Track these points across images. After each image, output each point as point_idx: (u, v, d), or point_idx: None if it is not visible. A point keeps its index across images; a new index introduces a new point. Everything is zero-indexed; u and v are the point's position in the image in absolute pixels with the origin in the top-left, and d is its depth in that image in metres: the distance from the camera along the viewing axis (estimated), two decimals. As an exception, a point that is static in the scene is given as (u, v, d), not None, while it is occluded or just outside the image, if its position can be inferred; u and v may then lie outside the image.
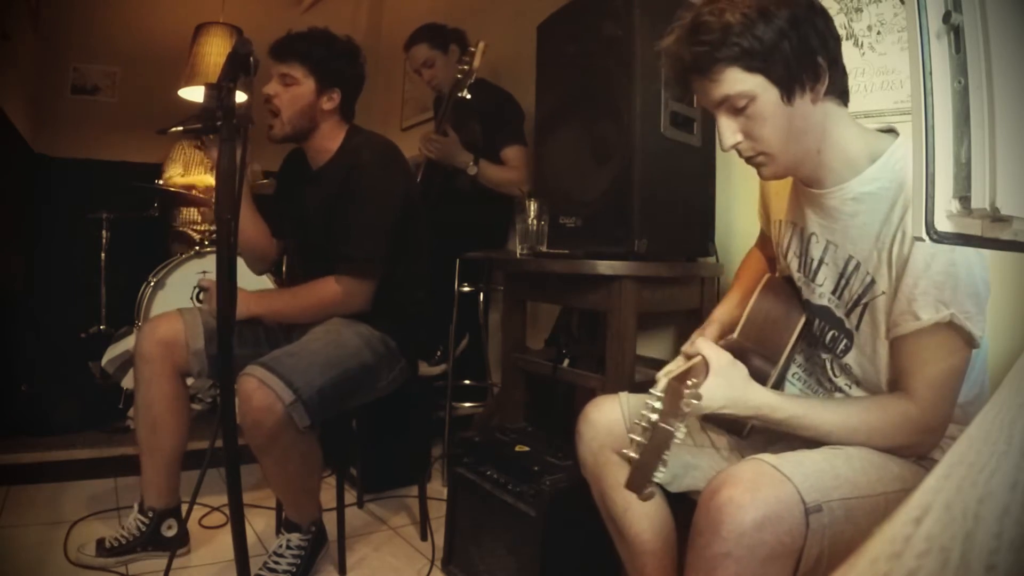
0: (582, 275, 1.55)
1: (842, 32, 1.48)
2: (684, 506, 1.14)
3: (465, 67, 2.13)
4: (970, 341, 0.88)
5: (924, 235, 0.50)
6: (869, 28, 1.47)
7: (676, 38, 0.93)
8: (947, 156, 0.49)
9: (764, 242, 1.32)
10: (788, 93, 0.89)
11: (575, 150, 1.66)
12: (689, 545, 0.85)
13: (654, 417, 0.85)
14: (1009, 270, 1.21)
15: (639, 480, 0.84)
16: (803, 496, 0.79)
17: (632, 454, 0.85)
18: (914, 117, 0.50)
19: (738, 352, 1.00)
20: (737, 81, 0.89)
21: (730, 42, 0.87)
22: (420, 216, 1.72)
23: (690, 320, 1.71)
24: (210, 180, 3.01)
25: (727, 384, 0.91)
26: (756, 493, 0.79)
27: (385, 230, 1.58)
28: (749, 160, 0.97)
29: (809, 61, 0.88)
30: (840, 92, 0.95)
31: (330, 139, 1.67)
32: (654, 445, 0.83)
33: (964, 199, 0.48)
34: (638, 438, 0.86)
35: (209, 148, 3.13)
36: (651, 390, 0.90)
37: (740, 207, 1.81)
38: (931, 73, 0.48)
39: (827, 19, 0.91)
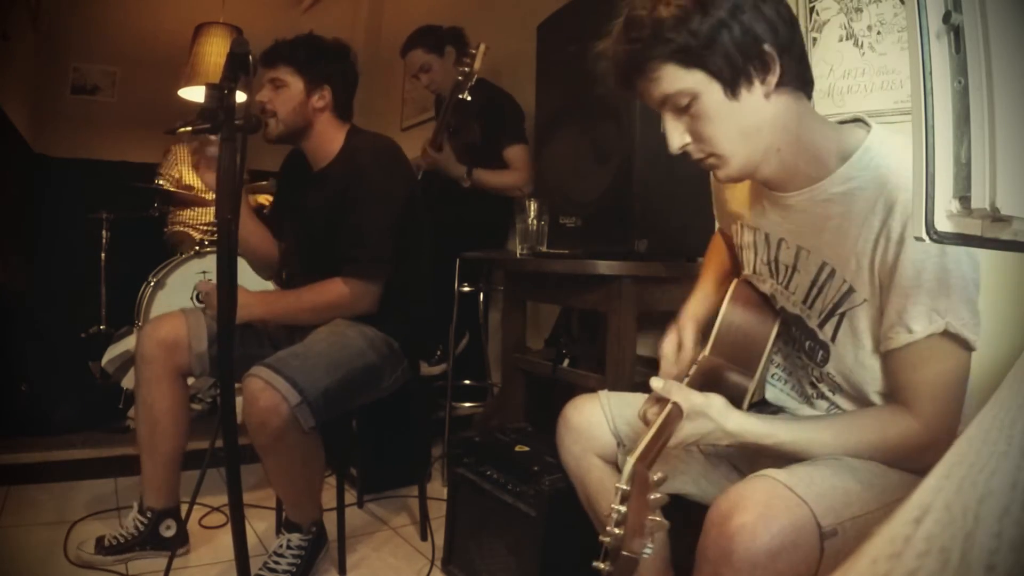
0: (582, 275, 1.55)
1: (842, 32, 1.48)
2: (673, 502, 1.13)
3: (466, 69, 2.13)
4: (968, 348, 0.82)
5: (924, 235, 0.50)
6: (869, 28, 1.47)
7: (612, 37, 0.89)
8: (947, 156, 0.49)
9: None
10: (732, 88, 0.82)
11: (575, 150, 1.66)
12: (696, 570, 0.81)
13: (616, 533, 0.72)
14: (1009, 270, 1.21)
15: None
16: (819, 520, 0.75)
17: (608, 538, 0.73)
18: (914, 117, 0.50)
19: (712, 372, 0.97)
20: (675, 79, 0.83)
21: (663, 38, 0.81)
22: (423, 217, 1.72)
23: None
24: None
25: (705, 423, 0.84)
26: (770, 520, 0.73)
27: (390, 231, 1.58)
28: (700, 163, 0.90)
29: (754, 51, 0.81)
30: (801, 83, 0.87)
31: (329, 140, 1.67)
32: (619, 572, 0.71)
33: (964, 199, 0.49)
34: (608, 538, 0.73)
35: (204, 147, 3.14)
36: (617, 483, 0.74)
37: (740, 207, 1.81)
38: (931, 73, 0.48)
39: (777, 2, 0.84)
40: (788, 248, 0.97)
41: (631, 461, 0.75)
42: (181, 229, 3.10)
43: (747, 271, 1.07)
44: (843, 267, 0.89)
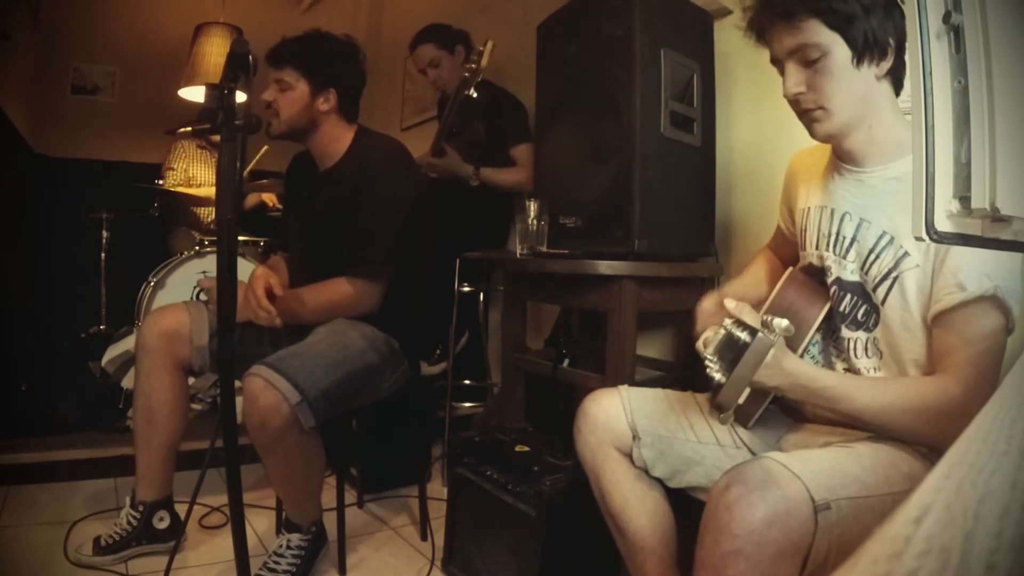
0: (582, 275, 1.55)
1: (842, 32, 1.49)
2: (683, 502, 1.14)
3: (472, 66, 2.13)
4: (1008, 322, 0.90)
5: (924, 235, 0.50)
6: (869, 28, 1.47)
7: None
8: (947, 156, 0.49)
9: (778, 245, 1.32)
10: (859, 57, 0.95)
11: (575, 150, 1.66)
12: (698, 543, 0.86)
13: (742, 335, 0.82)
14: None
15: (730, 398, 0.83)
16: (812, 494, 0.80)
17: (718, 376, 0.83)
18: (914, 117, 0.50)
19: None
20: (817, 32, 0.95)
21: None
22: (428, 218, 1.72)
23: (690, 320, 1.71)
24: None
25: (776, 352, 0.89)
26: (765, 491, 0.80)
27: (396, 233, 1.58)
28: (805, 113, 1.01)
29: (882, 39, 0.95)
30: (896, 80, 1.00)
31: (336, 140, 1.67)
32: (750, 359, 0.80)
33: (964, 199, 0.49)
34: (718, 363, 0.84)
35: (214, 150, 3.14)
36: (708, 335, 0.93)
37: (740, 207, 1.81)
38: (931, 73, 0.48)
39: (903, 16, 0.96)
40: (851, 220, 1.05)
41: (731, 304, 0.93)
42: (183, 230, 3.10)
43: (807, 249, 1.14)
44: (901, 235, 0.97)
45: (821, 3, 0.94)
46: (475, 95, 2.15)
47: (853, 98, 0.98)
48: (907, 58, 0.98)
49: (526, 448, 1.52)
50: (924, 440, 0.92)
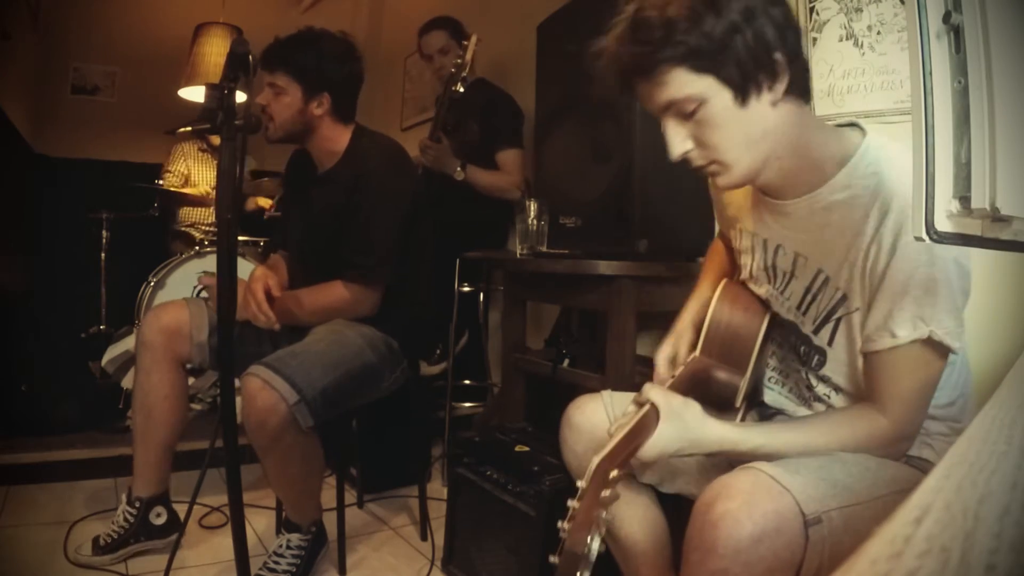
0: (582, 275, 1.55)
1: (842, 32, 1.48)
2: (677, 505, 1.14)
3: (458, 60, 2.13)
4: (946, 354, 0.84)
5: (924, 235, 0.50)
6: (869, 28, 1.47)
7: (615, 36, 0.86)
8: (947, 156, 0.49)
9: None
10: (742, 95, 0.81)
11: (575, 150, 1.66)
12: (683, 560, 0.82)
13: (566, 528, 0.71)
14: (1009, 270, 1.21)
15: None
16: (802, 508, 0.75)
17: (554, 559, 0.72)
18: (914, 117, 0.50)
19: (702, 372, 0.97)
20: (684, 84, 0.80)
21: (675, 40, 0.78)
22: (426, 218, 1.72)
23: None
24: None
25: (682, 427, 0.83)
26: (753, 507, 0.75)
27: (394, 235, 1.58)
28: (700, 170, 0.88)
29: (765, 58, 0.80)
30: (802, 91, 0.86)
31: (333, 141, 1.67)
32: (564, 569, 0.70)
33: (964, 199, 0.48)
34: (562, 532, 0.72)
35: (215, 155, 3.15)
36: (578, 482, 0.76)
37: (740, 207, 1.81)
38: (931, 73, 0.48)
39: (786, 8, 0.83)
40: (786, 254, 0.97)
41: (596, 460, 0.76)
42: (183, 230, 3.10)
43: (744, 275, 1.08)
44: (836, 275, 0.90)
45: (678, 48, 0.78)
46: (462, 91, 2.14)
47: (749, 141, 0.84)
48: (809, 56, 0.85)
49: (526, 448, 1.52)
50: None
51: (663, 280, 1.59)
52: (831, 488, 0.80)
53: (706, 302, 1.12)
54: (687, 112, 0.83)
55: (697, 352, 1.00)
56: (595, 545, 0.70)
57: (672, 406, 0.83)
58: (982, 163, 0.47)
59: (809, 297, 0.95)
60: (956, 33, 0.47)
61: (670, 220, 1.57)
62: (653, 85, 0.83)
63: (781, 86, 0.82)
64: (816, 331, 0.95)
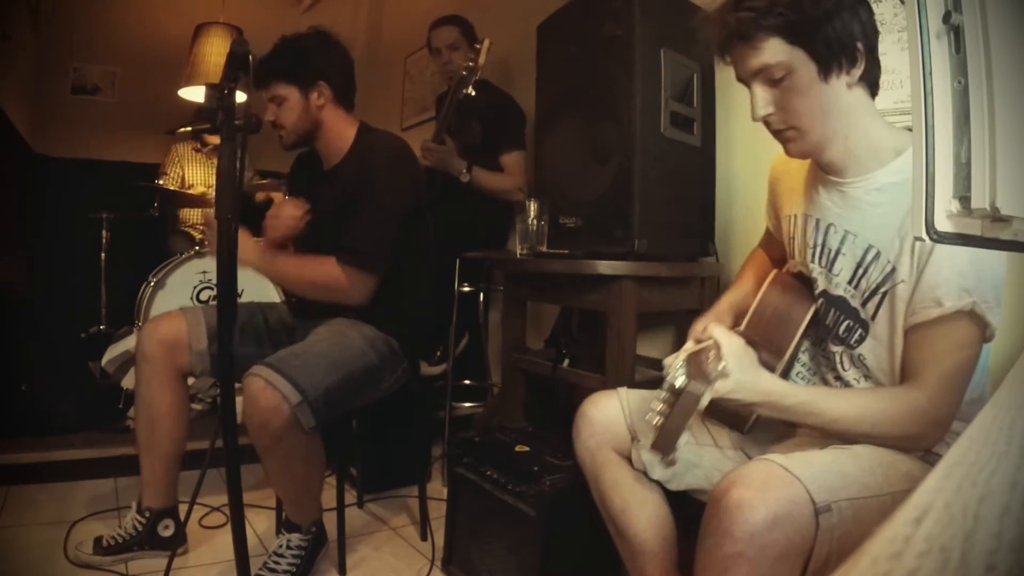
0: (582, 275, 1.55)
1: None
2: (683, 505, 1.14)
3: (470, 63, 2.13)
4: (985, 333, 0.89)
5: (924, 235, 0.50)
6: (869, 28, 1.47)
7: (723, 3, 0.96)
8: (947, 156, 0.49)
9: (769, 243, 1.31)
10: (825, 71, 0.91)
11: (575, 150, 1.66)
12: (698, 546, 0.85)
13: (679, 383, 0.87)
14: (1009, 270, 1.21)
15: (666, 444, 0.87)
16: (813, 496, 0.80)
17: (657, 419, 0.88)
18: (914, 117, 0.50)
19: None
20: (778, 52, 0.91)
21: (776, 12, 0.89)
22: (427, 218, 1.72)
23: (690, 320, 1.70)
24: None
25: (739, 367, 0.92)
26: (766, 493, 0.79)
27: (391, 229, 1.58)
28: (778, 134, 0.98)
29: (849, 45, 0.91)
30: (871, 83, 0.96)
31: (340, 137, 1.68)
32: (681, 409, 0.86)
33: (964, 199, 0.48)
34: (661, 405, 0.88)
35: (210, 155, 3.15)
36: (668, 361, 0.94)
37: (740, 207, 1.81)
38: (931, 73, 0.48)
39: (870, 11, 0.94)
40: (836, 232, 1.03)
41: (682, 354, 0.94)
42: (184, 229, 3.10)
43: (796, 258, 1.13)
44: (887, 249, 0.95)
45: (778, 19, 0.89)
46: (473, 93, 2.14)
47: (825, 113, 0.94)
48: (881, 56, 0.96)
49: (526, 448, 1.52)
50: (898, 448, 0.92)
51: (663, 280, 1.59)
52: (841, 480, 0.84)
53: (747, 292, 1.20)
54: (775, 78, 0.93)
55: (742, 328, 1.06)
56: (706, 399, 0.87)
57: (733, 346, 0.94)
58: (982, 163, 0.47)
59: (861, 271, 1.00)
60: (956, 33, 0.47)
61: (670, 220, 1.57)
62: (750, 48, 0.93)
63: (857, 71, 0.93)
64: (864, 303, 1.00)
